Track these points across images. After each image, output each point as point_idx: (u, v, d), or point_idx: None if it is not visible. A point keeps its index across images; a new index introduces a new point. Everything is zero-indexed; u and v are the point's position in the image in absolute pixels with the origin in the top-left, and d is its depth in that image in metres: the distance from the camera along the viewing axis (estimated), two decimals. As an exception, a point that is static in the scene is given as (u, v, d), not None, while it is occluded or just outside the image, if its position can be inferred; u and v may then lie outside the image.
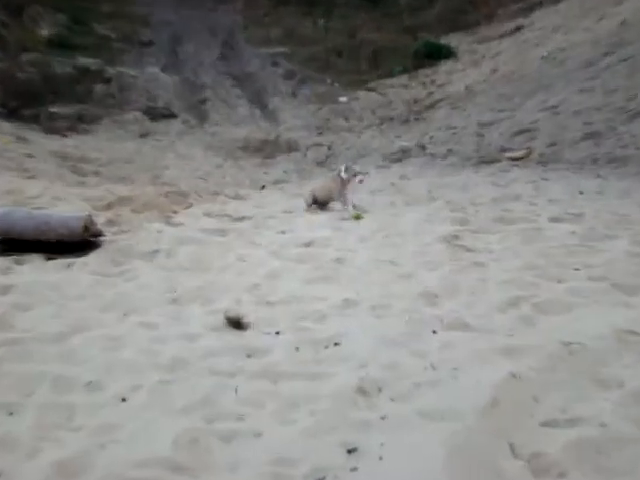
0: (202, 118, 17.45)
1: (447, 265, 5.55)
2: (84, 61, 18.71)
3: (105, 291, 5.06)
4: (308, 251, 6.25)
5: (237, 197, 9.38)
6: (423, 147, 13.48)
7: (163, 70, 19.99)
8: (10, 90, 15.78)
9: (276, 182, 11.74)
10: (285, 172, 12.97)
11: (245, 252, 6.23)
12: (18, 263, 5.60)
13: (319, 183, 8.80)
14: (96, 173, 11.20)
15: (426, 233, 6.61)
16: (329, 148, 14.93)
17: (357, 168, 8.09)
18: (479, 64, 20.35)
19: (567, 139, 11.62)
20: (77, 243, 5.89)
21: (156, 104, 17.59)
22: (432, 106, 17.44)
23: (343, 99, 19.22)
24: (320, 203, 8.28)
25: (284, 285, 5.29)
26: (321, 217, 7.84)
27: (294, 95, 19.69)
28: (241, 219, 7.63)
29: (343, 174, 7.63)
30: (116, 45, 21.68)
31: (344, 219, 7.69)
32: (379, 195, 9.14)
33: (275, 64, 21.79)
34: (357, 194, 8.22)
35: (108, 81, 18.20)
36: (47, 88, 16.61)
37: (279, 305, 4.82)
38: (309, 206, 8.27)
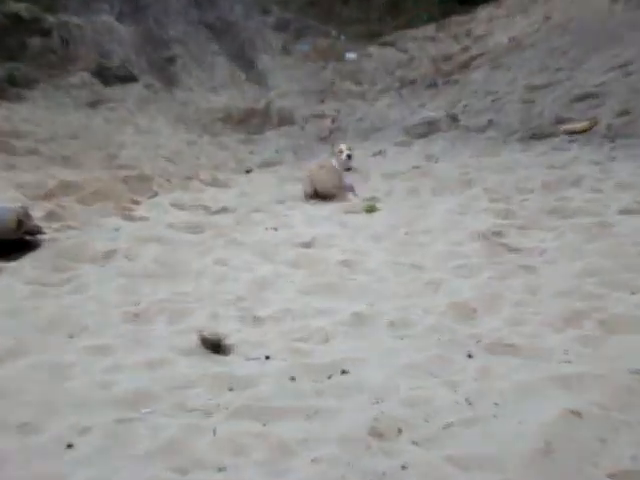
0: (170, 82, 17.44)
1: (486, 270, 5.61)
2: (15, 7, 18.65)
3: (45, 305, 5.07)
4: (307, 253, 6.29)
5: (216, 183, 9.39)
6: (455, 118, 13.47)
7: (118, 19, 19.94)
8: None
9: (265, 164, 11.80)
10: (277, 151, 12.99)
11: (226, 254, 6.27)
12: None
13: (318, 166, 8.81)
14: (32, 152, 11.17)
15: (459, 229, 6.65)
16: (333, 120, 14.91)
17: (344, 147, 8.15)
18: (528, 10, 20.34)
19: (642, 107, 11.62)
20: (8, 243, 5.87)
21: (110, 63, 17.60)
22: (466, 65, 17.43)
23: (351, 56, 19.21)
24: (322, 196, 8.31)
25: (276, 296, 5.35)
26: (323, 209, 7.87)
27: (288, 52, 19.69)
28: (221, 212, 7.65)
29: (344, 156, 7.67)
30: (58, -14, 21.63)
31: (353, 212, 7.71)
32: (398, 180, 9.18)
33: (264, 11, 21.80)
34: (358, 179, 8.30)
35: (47, 33, 18.17)
36: (-33, 42, 16.58)
37: (270, 322, 4.87)
38: (308, 197, 8.28)
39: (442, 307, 4.95)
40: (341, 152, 7.84)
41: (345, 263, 5.99)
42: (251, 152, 12.97)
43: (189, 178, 9.58)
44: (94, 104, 15.76)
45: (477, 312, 4.87)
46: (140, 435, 3.45)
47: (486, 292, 5.16)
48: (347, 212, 7.83)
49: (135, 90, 16.74)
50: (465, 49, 18.92)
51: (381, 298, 5.21)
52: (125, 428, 3.50)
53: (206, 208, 7.83)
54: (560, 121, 11.96)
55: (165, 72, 18.00)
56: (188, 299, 5.27)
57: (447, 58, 18.51)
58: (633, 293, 4.91)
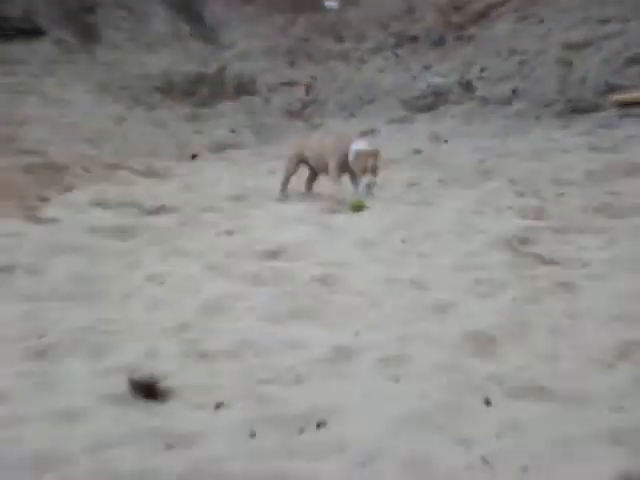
0: (89, 37, 17.31)
1: (511, 288, 5.63)
2: None
3: None
4: (274, 265, 6.30)
5: (151, 173, 9.36)
6: (469, 86, 13.61)
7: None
8: None
9: (218, 147, 11.89)
10: (233, 131, 13.06)
11: (165, 268, 6.27)
12: None
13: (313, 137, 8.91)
14: None
15: (474, 234, 6.70)
16: (308, 89, 15.05)
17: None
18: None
19: None
20: None
21: (7, 12, 17.45)
22: (485, 15, 17.44)
23: (332, 4, 19.21)
24: (314, 174, 8.39)
25: (231, 324, 5.34)
26: (296, 207, 7.85)
27: (248, -2, 19.69)
28: (158, 211, 7.61)
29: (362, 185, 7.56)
30: None
31: (334, 210, 7.69)
32: (395, 169, 9.24)
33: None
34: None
35: None
36: None
37: (222, 358, 4.86)
38: (286, 180, 8.39)
39: (452, 337, 4.95)
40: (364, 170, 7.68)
41: (323, 279, 5.99)
42: (198, 131, 13.00)
43: (116, 166, 9.54)
44: (-14, 67, 15.64)
45: (498, 344, 4.87)
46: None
47: (511, 318, 5.17)
48: (327, 211, 7.81)
49: (42, 48, 16.59)
50: (483, -6, 18.96)
51: (371, 326, 5.20)
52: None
53: (138, 206, 7.81)
54: (609, 90, 12.00)
55: (82, 24, 17.87)
56: (113, 329, 5.23)
57: (458, 7, 18.49)
58: None
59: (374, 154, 7.94)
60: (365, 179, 7.83)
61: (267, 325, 5.33)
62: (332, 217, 7.58)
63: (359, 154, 7.89)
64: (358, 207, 7.74)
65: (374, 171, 7.84)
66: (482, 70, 14.24)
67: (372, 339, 4.99)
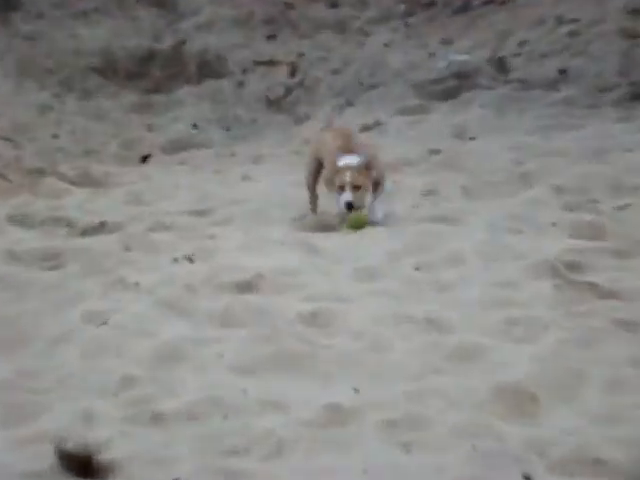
0: (4, 3, 17.31)
1: (556, 329, 5.65)
2: None
3: None
4: (248, 300, 6.32)
5: (87, 181, 9.39)
6: (503, 65, 13.66)
7: None
8: None
9: (176, 146, 12.01)
10: (195, 125, 13.16)
11: (106, 304, 6.29)
12: None
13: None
14: None
15: (509, 257, 6.74)
16: (293, 71, 15.03)
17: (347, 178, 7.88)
18: None
19: None
20: None
21: None
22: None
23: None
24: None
25: (192, 377, 5.35)
26: (278, 224, 8.04)
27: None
28: (97, 230, 7.74)
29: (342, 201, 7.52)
30: None
31: (327, 229, 7.89)
32: (406, 174, 9.29)
33: None
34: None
35: None
36: None
37: (180, 422, 4.85)
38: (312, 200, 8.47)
39: (479, 394, 4.95)
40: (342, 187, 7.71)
41: (313, 318, 6.00)
42: (150, 126, 13.06)
43: (41, 172, 9.55)
44: None
45: (541, 402, 4.86)
46: None
47: (557, 367, 5.18)
48: (318, 229, 7.88)
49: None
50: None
51: (374, 379, 5.21)
52: None
53: (71, 225, 7.87)
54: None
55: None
56: (38, 384, 5.24)
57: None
58: None
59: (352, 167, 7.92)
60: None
61: (239, 378, 5.32)
62: (324, 238, 7.61)
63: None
64: (358, 224, 7.73)
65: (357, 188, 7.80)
66: (520, 44, 14.22)
67: (376, 396, 4.98)
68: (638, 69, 12.46)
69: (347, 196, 7.67)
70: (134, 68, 15.31)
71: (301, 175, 9.00)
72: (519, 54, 13.85)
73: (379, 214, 8.10)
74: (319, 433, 4.67)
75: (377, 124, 9.87)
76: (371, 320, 5.97)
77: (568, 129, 10.55)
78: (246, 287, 6.53)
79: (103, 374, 5.38)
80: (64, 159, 10.62)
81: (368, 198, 7.93)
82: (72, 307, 6.22)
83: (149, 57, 15.56)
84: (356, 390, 5.10)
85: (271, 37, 16.59)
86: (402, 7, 17.20)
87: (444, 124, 11.46)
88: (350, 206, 7.65)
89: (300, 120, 12.82)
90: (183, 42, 15.98)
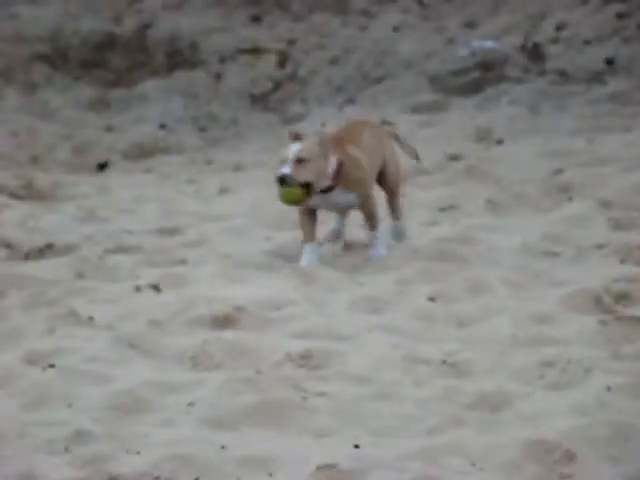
0: None
1: (601, 371, 5.35)
2: None
3: None
4: (225, 338, 6.08)
5: (31, 193, 9.35)
6: (538, 53, 13.40)
7: None
8: None
9: (140, 152, 11.76)
10: (163, 126, 12.87)
11: (53, 343, 6.00)
12: None
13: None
14: None
15: (544, 285, 6.45)
16: (282, 61, 14.73)
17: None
18: None
19: None
20: None
21: None
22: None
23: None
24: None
25: (158, 431, 5.06)
26: (261, 245, 7.71)
27: None
28: (43, 253, 7.53)
29: None
30: None
31: (322, 247, 7.43)
32: (419, 185, 9.06)
33: None
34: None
35: None
36: None
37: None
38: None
39: (507, 451, 4.63)
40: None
41: (305, 359, 5.72)
42: (109, 127, 12.82)
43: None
44: None
45: (580, 461, 4.49)
46: None
47: (601, 420, 4.81)
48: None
49: None
50: None
51: (379, 434, 4.96)
52: None
53: (9, 246, 7.63)
54: None
55: None
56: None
57: None
58: None
59: None
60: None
61: (214, 433, 5.04)
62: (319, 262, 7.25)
63: None
64: (289, 198, 7.25)
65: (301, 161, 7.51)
66: (558, 28, 14.01)
67: (381, 455, 4.64)
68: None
69: (284, 169, 7.25)
70: (89, 56, 15.17)
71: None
72: (557, 40, 13.83)
73: (381, 249, 7.50)
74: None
75: (385, 123, 9.36)
76: (375, 362, 5.63)
77: (616, 131, 10.36)
78: (223, 322, 6.21)
79: (48, 428, 4.98)
80: (3, 166, 10.31)
81: (320, 179, 7.50)
82: (12, 346, 5.89)
83: (107, 43, 15.43)
84: (357, 447, 4.69)
85: (256, 19, 16.49)
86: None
87: (466, 124, 11.27)
88: (282, 180, 7.24)
89: (291, 120, 12.44)
90: (147, 26, 15.81)
